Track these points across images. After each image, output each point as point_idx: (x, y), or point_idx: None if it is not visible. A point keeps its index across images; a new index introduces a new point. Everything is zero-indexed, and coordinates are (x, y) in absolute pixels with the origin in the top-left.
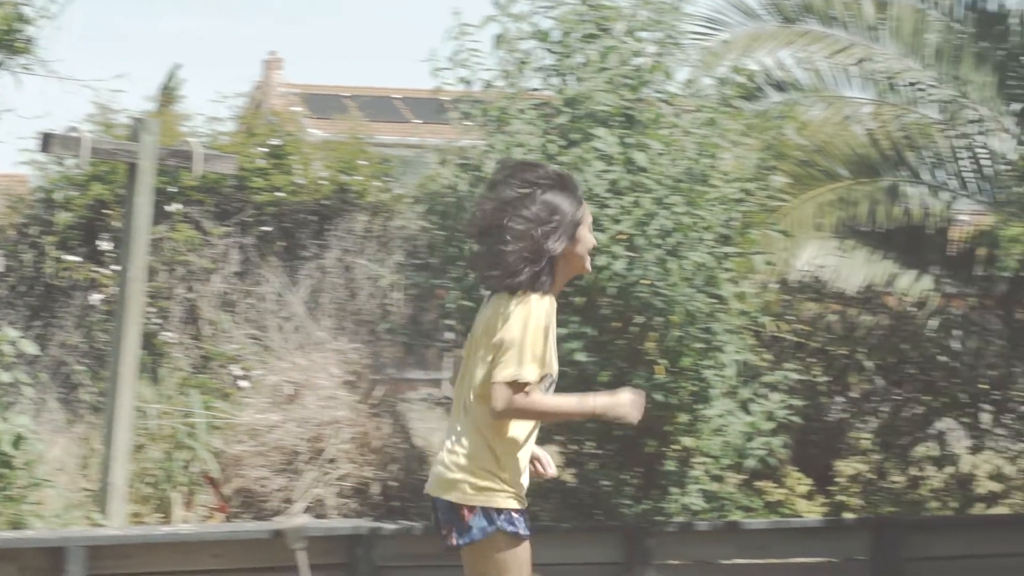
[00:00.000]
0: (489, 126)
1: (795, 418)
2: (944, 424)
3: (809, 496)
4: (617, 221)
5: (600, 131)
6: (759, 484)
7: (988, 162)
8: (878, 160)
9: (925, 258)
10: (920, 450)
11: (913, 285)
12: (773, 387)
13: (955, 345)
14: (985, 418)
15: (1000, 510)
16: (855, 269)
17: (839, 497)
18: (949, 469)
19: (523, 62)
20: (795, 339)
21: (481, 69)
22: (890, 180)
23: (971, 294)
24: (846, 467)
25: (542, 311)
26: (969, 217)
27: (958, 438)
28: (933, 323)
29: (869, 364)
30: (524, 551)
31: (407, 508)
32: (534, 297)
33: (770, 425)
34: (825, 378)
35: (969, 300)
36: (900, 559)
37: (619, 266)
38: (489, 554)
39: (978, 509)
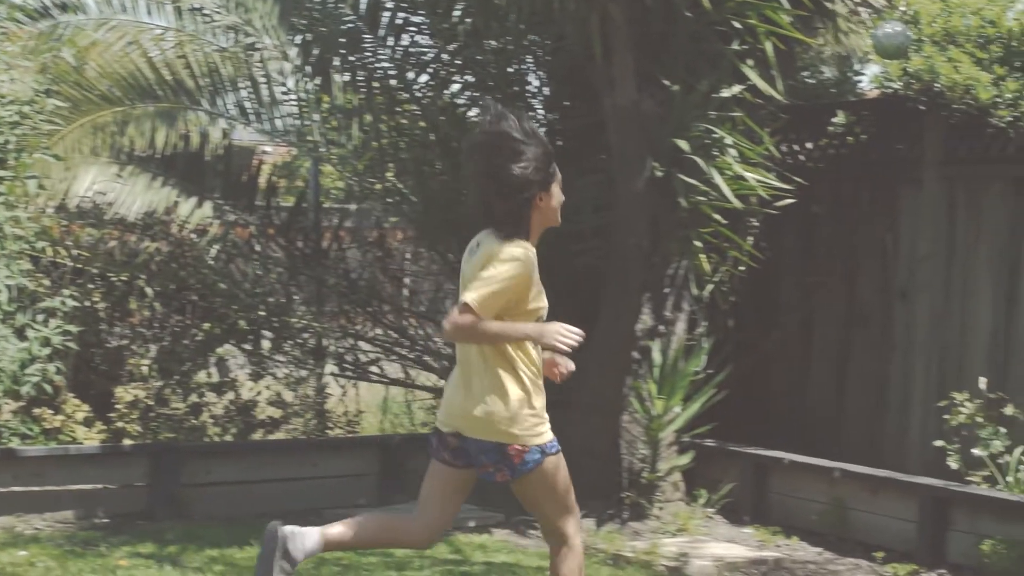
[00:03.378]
0: None
1: (72, 345)
2: (225, 351)
3: (88, 423)
4: None
5: None
6: (37, 411)
7: (268, 92)
8: (159, 86)
9: (206, 185)
10: (201, 377)
11: (194, 212)
12: (51, 313)
13: (236, 273)
14: (265, 345)
15: (280, 436)
16: (136, 195)
17: (119, 424)
18: (229, 395)
19: None
20: (74, 265)
21: None
22: (171, 106)
23: (252, 222)
24: (126, 394)
25: (528, 256)
26: (271, 148)
27: (240, 365)
28: (214, 250)
29: (150, 291)
30: (563, 461)
31: None
32: (520, 243)
33: (46, 351)
34: (105, 304)
35: (250, 228)
36: (179, 484)
37: None
38: (543, 478)
39: (259, 435)
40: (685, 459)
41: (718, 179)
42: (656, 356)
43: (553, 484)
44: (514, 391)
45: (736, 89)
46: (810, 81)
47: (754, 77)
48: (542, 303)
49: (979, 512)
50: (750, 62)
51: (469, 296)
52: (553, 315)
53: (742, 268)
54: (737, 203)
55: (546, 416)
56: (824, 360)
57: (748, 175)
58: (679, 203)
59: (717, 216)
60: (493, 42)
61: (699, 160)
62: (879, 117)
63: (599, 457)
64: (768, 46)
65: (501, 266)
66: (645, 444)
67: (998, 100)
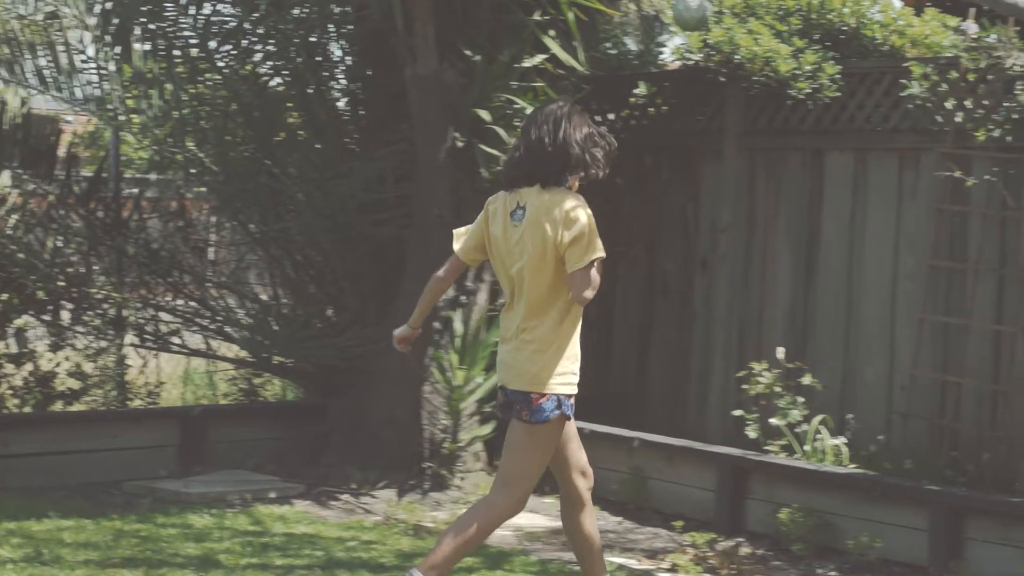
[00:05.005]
0: None
1: None
2: (24, 322)
3: None
4: None
5: None
6: None
7: (67, 60)
8: None
9: (5, 154)
10: None
11: None
12: None
13: (35, 243)
14: (65, 316)
15: (79, 407)
16: None
17: None
18: (28, 367)
19: None
20: None
21: None
22: None
23: (52, 192)
24: None
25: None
26: (73, 117)
27: (39, 336)
28: (12, 220)
29: None
30: (568, 430)
31: None
32: (571, 191)
33: None
34: None
35: (50, 198)
36: None
37: None
38: (542, 431)
39: (58, 406)
40: (486, 429)
41: None
42: (458, 326)
43: (544, 441)
44: (557, 347)
45: (538, 59)
46: (612, 52)
47: (556, 48)
48: None
49: (777, 481)
50: (552, 32)
51: (583, 262)
52: (356, 285)
53: None
54: None
55: (577, 377)
56: (626, 330)
57: None
58: (480, 173)
59: None
60: (295, 11)
61: (500, 130)
62: (680, 88)
63: (400, 427)
64: (570, 16)
65: (581, 215)
66: (446, 414)
67: (797, 72)
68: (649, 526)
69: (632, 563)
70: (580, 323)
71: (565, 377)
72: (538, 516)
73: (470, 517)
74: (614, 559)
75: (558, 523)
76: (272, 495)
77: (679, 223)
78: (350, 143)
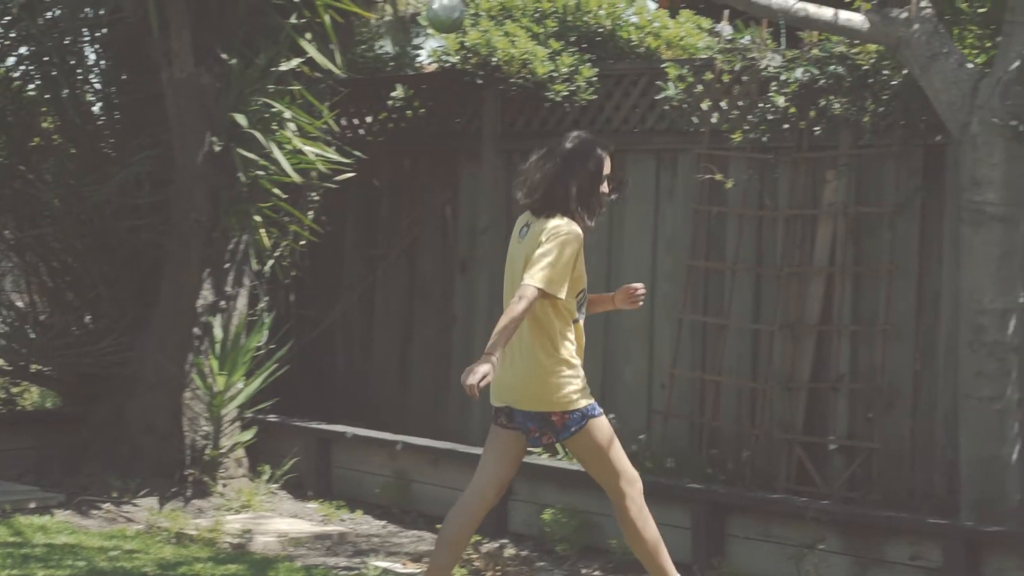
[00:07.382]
0: None
1: None
2: None
3: None
4: None
5: None
6: None
7: None
8: None
9: None
10: None
11: None
12: None
13: None
14: None
15: None
16: None
17: None
18: None
19: None
20: None
21: None
22: None
23: None
24: None
25: (578, 232)
26: None
27: None
28: None
29: None
30: (606, 423)
31: None
32: (570, 221)
33: None
34: None
35: None
36: None
37: None
38: (589, 438)
39: None
40: (248, 435)
41: (277, 153)
42: (217, 332)
43: (598, 443)
44: (551, 366)
45: (295, 63)
46: (368, 55)
47: (312, 51)
48: (582, 283)
49: (540, 482)
50: (308, 35)
51: (532, 281)
52: (113, 291)
53: (303, 242)
54: (296, 177)
55: (585, 384)
56: (387, 333)
57: (307, 149)
58: (239, 177)
59: (277, 190)
60: (48, 14)
61: (258, 134)
62: (438, 91)
63: (161, 435)
64: (326, 19)
65: (557, 240)
66: (207, 420)
67: (554, 74)
68: (413, 529)
69: (397, 567)
70: (569, 335)
71: (576, 391)
72: (302, 522)
73: (628, 527)
74: (379, 563)
75: (322, 528)
76: (32, 505)
77: (438, 226)
78: (106, 148)
